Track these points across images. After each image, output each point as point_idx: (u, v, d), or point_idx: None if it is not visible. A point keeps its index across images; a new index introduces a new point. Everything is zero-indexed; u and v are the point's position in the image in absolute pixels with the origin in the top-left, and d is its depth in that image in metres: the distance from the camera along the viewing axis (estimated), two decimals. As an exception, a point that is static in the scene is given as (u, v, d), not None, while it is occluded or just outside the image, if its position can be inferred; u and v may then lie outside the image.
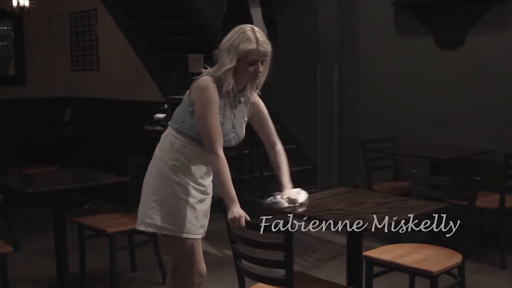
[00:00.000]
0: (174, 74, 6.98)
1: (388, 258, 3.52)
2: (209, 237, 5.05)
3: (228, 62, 2.91)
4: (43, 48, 8.35)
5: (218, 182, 2.95)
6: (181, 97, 6.09)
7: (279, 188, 3.19)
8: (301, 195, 3.15)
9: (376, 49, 6.02)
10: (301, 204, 3.11)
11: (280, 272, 2.73)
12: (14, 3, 6.85)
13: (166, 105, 6.21)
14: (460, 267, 3.59)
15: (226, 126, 3.01)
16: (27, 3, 6.91)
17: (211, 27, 7.77)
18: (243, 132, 3.14)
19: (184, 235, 3.03)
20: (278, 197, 3.12)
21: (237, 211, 2.84)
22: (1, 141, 7.47)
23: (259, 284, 2.98)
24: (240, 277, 2.96)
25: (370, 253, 3.61)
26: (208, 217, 3.20)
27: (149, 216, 3.04)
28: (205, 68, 3.06)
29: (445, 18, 5.44)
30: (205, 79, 2.95)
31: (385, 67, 5.96)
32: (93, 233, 4.39)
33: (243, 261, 2.92)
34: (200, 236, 3.13)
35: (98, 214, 4.70)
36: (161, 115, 6.30)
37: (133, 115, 7.33)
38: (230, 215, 2.85)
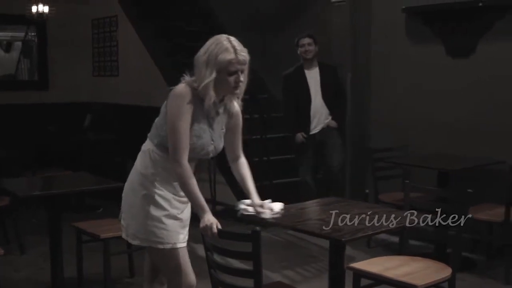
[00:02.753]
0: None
1: (375, 271, 3.44)
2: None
3: (208, 75, 2.84)
4: (65, 53, 8.48)
5: (184, 192, 2.92)
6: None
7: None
8: (275, 205, 3.11)
9: (387, 57, 5.95)
10: (277, 213, 3.07)
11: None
12: (34, 9, 6.96)
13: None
14: (450, 281, 3.48)
15: (204, 139, 2.97)
16: (46, 10, 7.01)
17: (228, 31, 7.79)
18: (221, 144, 3.09)
19: (174, 246, 3.00)
20: (245, 206, 3.10)
21: (208, 219, 2.81)
22: (20, 144, 7.63)
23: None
24: (213, 285, 2.93)
25: (358, 265, 3.54)
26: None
27: (139, 231, 3.01)
28: (184, 77, 2.97)
29: (456, 25, 5.33)
30: (181, 87, 2.90)
31: (396, 75, 5.88)
32: (90, 238, 4.41)
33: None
34: (185, 244, 3.09)
35: (100, 219, 4.73)
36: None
37: (151, 121, 7.36)
38: (201, 224, 2.82)
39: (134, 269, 4.75)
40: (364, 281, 3.54)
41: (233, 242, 2.69)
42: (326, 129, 6.00)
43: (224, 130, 3.08)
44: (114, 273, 4.55)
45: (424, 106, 5.67)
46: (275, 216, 3.06)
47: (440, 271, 3.45)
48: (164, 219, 2.97)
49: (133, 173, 3.07)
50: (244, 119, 6.10)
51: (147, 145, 3.06)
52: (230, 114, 3.07)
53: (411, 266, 3.53)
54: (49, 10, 7.04)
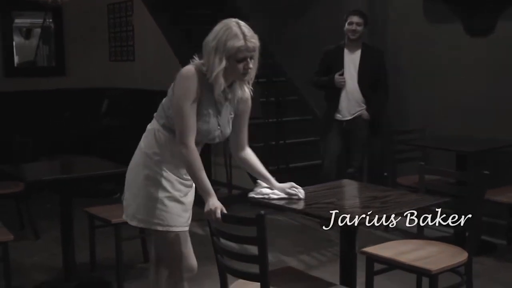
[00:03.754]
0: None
1: (388, 255, 3.35)
2: (226, 228, 5.04)
3: (217, 63, 2.75)
4: (82, 39, 8.45)
5: (190, 175, 2.86)
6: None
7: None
8: (300, 191, 3.03)
9: (405, 37, 5.82)
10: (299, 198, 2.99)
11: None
12: (48, -5, 6.91)
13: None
14: (467, 265, 3.38)
15: (211, 124, 2.90)
16: (61, -5, 6.95)
17: (245, 16, 7.70)
18: (228, 130, 3.01)
19: (174, 229, 2.96)
20: (265, 190, 3.04)
21: (213, 203, 2.75)
22: (36, 130, 7.65)
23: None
24: (220, 271, 2.87)
25: (371, 249, 3.45)
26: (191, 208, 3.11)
27: (139, 211, 2.98)
28: (194, 59, 2.89)
29: (474, 3, 5.17)
30: (188, 69, 2.83)
31: (414, 56, 5.75)
32: (102, 223, 4.38)
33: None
34: (187, 228, 3.05)
35: (113, 204, 4.70)
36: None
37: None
38: (206, 208, 2.77)
39: (148, 254, 4.71)
40: (377, 266, 3.46)
41: (244, 227, 2.62)
42: (357, 119, 5.48)
43: (232, 116, 3.01)
44: (128, 258, 4.54)
45: (442, 86, 5.54)
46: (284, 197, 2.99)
47: (456, 255, 3.35)
48: (166, 201, 2.92)
49: (137, 153, 3.03)
50: (260, 102, 6.14)
51: (153, 125, 3.01)
52: (239, 99, 2.98)
53: (426, 250, 3.43)
54: (64, -5, 6.97)
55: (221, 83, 2.79)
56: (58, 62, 8.52)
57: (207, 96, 2.86)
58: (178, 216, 2.96)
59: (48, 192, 6.43)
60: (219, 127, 2.95)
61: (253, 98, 3.07)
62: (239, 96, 2.96)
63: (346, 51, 5.50)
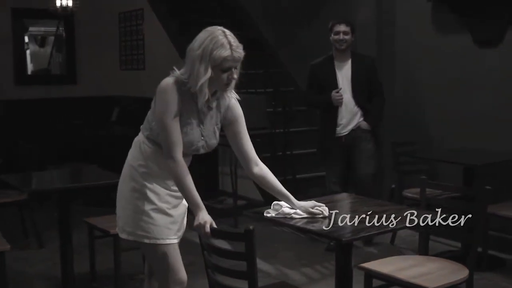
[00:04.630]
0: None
1: (386, 271, 3.28)
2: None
3: (203, 73, 2.70)
4: (93, 47, 8.48)
5: (179, 188, 2.81)
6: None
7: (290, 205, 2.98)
8: (324, 208, 2.92)
9: (413, 47, 5.73)
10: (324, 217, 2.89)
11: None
12: (58, 3, 6.95)
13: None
14: (468, 282, 3.30)
15: (192, 135, 2.85)
16: (70, 3, 6.99)
17: (255, 24, 7.69)
18: (214, 141, 2.95)
19: (161, 241, 2.91)
20: (286, 210, 2.95)
21: (202, 217, 2.70)
22: (46, 138, 7.68)
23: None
24: (211, 286, 2.82)
25: (369, 265, 3.39)
26: (185, 220, 3.06)
27: (127, 223, 2.94)
28: (174, 70, 2.84)
29: (483, 13, 5.08)
30: (166, 82, 2.77)
31: (422, 66, 5.66)
32: (101, 234, 4.35)
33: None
34: (176, 241, 2.99)
35: (114, 214, 4.66)
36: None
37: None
38: (195, 222, 2.72)
39: (149, 265, 4.68)
40: (376, 282, 3.39)
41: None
42: (356, 131, 5.18)
43: (219, 125, 2.95)
44: (129, 268, 4.51)
45: (450, 97, 5.44)
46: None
47: (456, 272, 3.26)
48: (152, 213, 2.87)
49: (125, 166, 3.00)
50: (267, 113, 6.09)
51: (139, 137, 2.98)
52: (225, 107, 2.93)
53: (425, 266, 3.35)
54: (73, 3, 7.01)
55: (206, 92, 2.74)
56: (69, 70, 8.56)
57: (189, 106, 2.81)
58: (166, 228, 2.91)
59: (55, 200, 6.46)
60: (202, 138, 2.89)
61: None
62: (224, 104, 2.92)
63: (336, 62, 5.20)
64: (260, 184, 3.06)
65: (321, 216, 2.89)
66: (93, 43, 8.49)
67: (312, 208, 2.92)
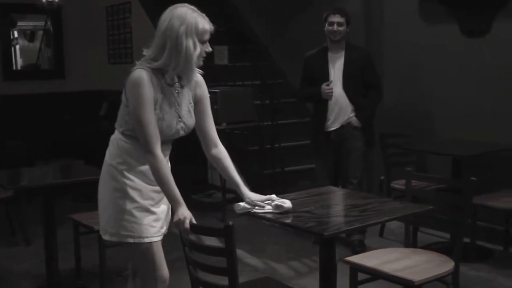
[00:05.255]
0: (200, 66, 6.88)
1: (371, 265, 3.26)
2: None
3: (192, 48, 2.68)
4: (81, 41, 8.41)
5: (159, 184, 2.76)
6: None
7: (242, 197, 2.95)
8: (286, 203, 2.86)
9: (401, 38, 5.71)
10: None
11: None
12: (43, -2, 6.90)
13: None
14: (454, 274, 3.28)
15: (170, 119, 2.80)
16: (56, -3, 6.94)
17: (244, 17, 7.64)
18: (191, 120, 2.89)
19: (146, 240, 2.86)
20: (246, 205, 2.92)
21: (182, 212, 2.66)
22: (35, 134, 7.62)
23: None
24: (192, 283, 2.79)
25: (354, 259, 3.37)
26: (170, 216, 3.01)
27: (110, 224, 2.88)
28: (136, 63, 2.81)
29: (470, 4, 5.06)
30: (138, 74, 2.71)
31: (409, 57, 5.64)
32: (86, 230, 4.31)
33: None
34: (160, 238, 2.94)
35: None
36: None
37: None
38: (175, 217, 2.68)
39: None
40: (362, 276, 3.36)
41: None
42: (346, 128, 4.96)
43: (192, 104, 2.90)
44: (115, 265, 4.48)
45: (438, 89, 5.44)
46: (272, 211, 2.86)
47: (442, 265, 3.25)
48: (135, 212, 2.82)
49: (104, 166, 2.94)
50: (254, 105, 6.05)
51: (115, 135, 2.92)
52: (194, 84, 2.88)
53: (411, 259, 3.33)
54: (59, -2, 6.96)
55: (193, 68, 2.74)
56: (58, 65, 8.50)
57: (161, 92, 2.77)
58: (149, 226, 2.86)
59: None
60: (180, 119, 2.85)
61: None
62: (194, 81, 2.87)
63: (329, 53, 5.00)
64: (215, 166, 3.03)
65: (277, 212, 2.83)
66: (81, 38, 8.43)
67: (263, 202, 2.89)
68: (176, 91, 2.82)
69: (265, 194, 3.00)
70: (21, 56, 8.51)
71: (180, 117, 2.84)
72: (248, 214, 2.90)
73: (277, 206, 2.85)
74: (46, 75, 8.53)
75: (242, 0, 7.70)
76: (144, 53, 2.81)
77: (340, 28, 4.90)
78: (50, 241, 4.05)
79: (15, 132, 7.38)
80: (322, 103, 4.99)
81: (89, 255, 4.55)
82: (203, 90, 2.93)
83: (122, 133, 2.86)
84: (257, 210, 2.88)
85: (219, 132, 5.89)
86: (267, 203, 2.88)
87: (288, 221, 2.78)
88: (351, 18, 5.05)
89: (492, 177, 4.92)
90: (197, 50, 2.70)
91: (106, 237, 2.91)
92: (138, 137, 2.77)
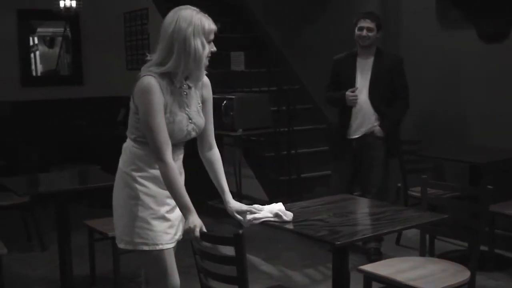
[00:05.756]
0: (216, 73, 6.88)
1: (385, 274, 3.21)
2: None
3: (201, 48, 2.69)
4: (99, 48, 8.45)
5: (169, 192, 2.74)
6: (218, 96, 6.06)
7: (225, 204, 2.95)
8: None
9: (417, 43, 5.64)
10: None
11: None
12: (61, 4, 6.93)
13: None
14: (470, 284, 3.21)
15: (182, 121, 2.79)
16: (74, 4, 6.97)
17: (260, 24, 7.63)
18: (201, 120, 2.88)
19: (160, 247, 2.83)
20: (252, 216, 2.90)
21: (192, 221, 2.64)
22: (52, 140, 7.66)
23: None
24: (203, 291, 2.77)
25: (368, 267, 3.33)
26: (182, 223, 2.92)
27: (125, 232, 2.86)
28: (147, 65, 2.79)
29: (488, 9, 4.99)
30: (147, 81, 2.69)
31: (426, 62, 5.57)
32: (101, 236, 4.32)
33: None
34: (173, 245, 2.92)
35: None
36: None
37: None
38: (185, 226, 2.66)
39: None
40: (376, 284, 3.32)
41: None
42: (369, 137, 4.85)
43: (200, 105, 2.89)
44: (129, 271, 4.46)
45: (454, 94, 5.36)
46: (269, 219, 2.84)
47: (457, 274, 3.19)
48: (150, 220, 2.80)
49: (117, 174, 2.92)
50: (271, 111, 6.03)
51: (127, 143, 2.91)
52: (202, 84, 2.88)
53: (426, 268, 3.28)
54: (77, 4, 6.98)
55: (203, 67, 2.74)
56: (76, 71, 8.54)
57: (171, 96, 2.76)
58: (164, 233, 2.84)
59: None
60: (190, 121, 2.83)
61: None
62: (201, 81, 2.86)
63: (358, 59, 4.89)
64: (207, 168, 3.02)
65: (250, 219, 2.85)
66: (99, 44, 8.46)
67: (243, 212, 2.87)
68: (185, 92, 2.82)
69: (282, 201, 2.99)
70: (41, 62, 8.58)
71: (190, 118, 2.83)
72: (256, 223, 2.88)
73: (277, 215, 2.84)
74: (65, 81, 8.57)
75: (259, 7, 7.68)
76: (149, 58, 2.81)
77: (370, 34, 4.78)
78: (63, 247, 4.06)
79: (32, 138, 7.42)
80: (346, 109, 4.89)
81: (103, 261, 4.55)
82: (209, 91, 2.94)
83: (134, 140, 2.85)
84: (259, 217, 2.85)
85: (235, 138, 5.99)
86: (268, 210, 2.86)
87: (301, 229, 2.75)
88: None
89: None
90: (205, 50, 2.71)
91: (121, 245, 2.90)
92: (149, 144, 2.75)
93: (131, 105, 2.81)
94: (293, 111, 6.16)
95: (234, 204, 2.93)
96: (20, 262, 5.05)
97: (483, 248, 4.63)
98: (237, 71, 6.66)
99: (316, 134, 6.54)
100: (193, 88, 2.85)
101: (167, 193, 2.84)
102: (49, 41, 8.73)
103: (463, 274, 3.18)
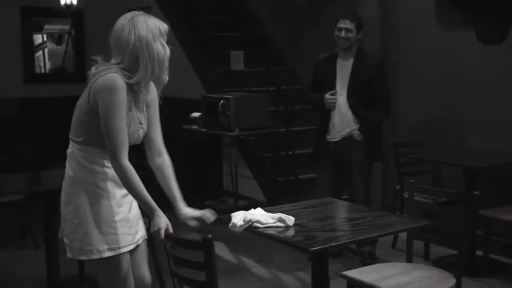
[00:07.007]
0: (217, 72, 6.88)
1: (368, 280, 3.15)
2: (227, 240, 4.83)
3: (162, 50, 2.67)
4: (103, 45, 8.40)
5: (131, 194, 2.67)
6: (215, 95, 5.99)
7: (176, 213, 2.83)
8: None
9: (416, 45, 5.56)
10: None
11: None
12: (62, 2, 6.91)
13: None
14: (456, 291, 3.15)
15: (135, 124, 2.71)
16: (74, 1, 6.94)
17: (262, 24, 7.57)
18: (146, 125, 2.80)
19: (124, 249, 2.73)
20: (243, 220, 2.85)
21: (157, 223, 2.58)
22: (51, 137, 7.64)
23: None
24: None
25: (351, 273, 3.26)
26: (141, 222, 2.88)
27: (85, 242, 2.68)
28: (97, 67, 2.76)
29: (487, 10, 4.90)
30: (114, 78, 2.59)
31: (425, 63, 5.49)
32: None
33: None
34: (133, 246, 2.79)
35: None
36: (197, 114, 6.12)
37: (183, 112, 7.23)
38: (151, 228, 2.61)
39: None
40: (359, 290, 3.26)
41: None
42: (347, 140, 4.71)
43: (146, 109, 2.80)
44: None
45: (453, 96, 5.28)
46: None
47: (442, 281, 3.12)
48: (114, 223, 2.69)
49: (66, 182, 2.76)
50: (270, 111, 5.97)
51: (71, 149, 2.77)
52: (147, 88, 2.80)
53: (411, 275, 3.22)
54: (78, 2, 6.96)
55: (165, 71, 2.71)
56: (79, 68, 8.54)
57: (130, 97, 2.69)
58: (126, 234, 2.74)
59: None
60: (141, 125, 2.76)
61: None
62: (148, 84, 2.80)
63: (338, 60, 4.73)
64: (156, 175, 2.87)
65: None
66: (103, 41, 8.40)
67: (196, 218, 2.79)
68: (137, 97, 2.74)
69: (279, 202, 2.96)
70: (49, 60, 8.60)
71: (140, 122, 2.76)
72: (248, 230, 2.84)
73: (280, 220, 2.80)
74: (69, 78, 8.57)
75: (260, 6, 7.62)
76: (99, 61, 2.78)
77: (349, 35, 4.63)
78: (50, 246, 4.02)
79: (31, 135, 7.43)
80: (325, 112, 4.76)
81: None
82: (153, 95, 2.83)
83: (82, 143, 2.70)
84: (255, 223, 2.81)
85: (232, 138, 5.94)
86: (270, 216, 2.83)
87: (278, 234, 2.70)
88: (367, 23, 4.86)
89: (509, 189, 4.77)
90: (166, 51, 2.68)
91: (82, 257, 2.72)
92: (105, 145, 2.63)
93: (83, 104, 2.70)
94: (291, 111, 6.09)
95: (187, 212, 2.80)
96: (13, 260, 5.05)
97: (479, 253, 4.57)
98: (236, 70, 6.61)
99: (314, 135, 6.46)
100: (143, 91, 2.76)
101: (124, 191, 2.74)
102: (57, 38, 8.74)
103: (448, 281, 3.12)
